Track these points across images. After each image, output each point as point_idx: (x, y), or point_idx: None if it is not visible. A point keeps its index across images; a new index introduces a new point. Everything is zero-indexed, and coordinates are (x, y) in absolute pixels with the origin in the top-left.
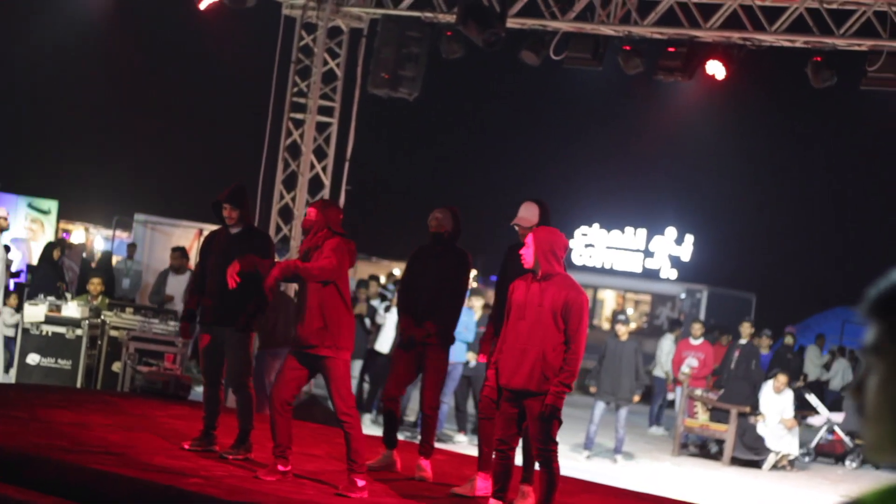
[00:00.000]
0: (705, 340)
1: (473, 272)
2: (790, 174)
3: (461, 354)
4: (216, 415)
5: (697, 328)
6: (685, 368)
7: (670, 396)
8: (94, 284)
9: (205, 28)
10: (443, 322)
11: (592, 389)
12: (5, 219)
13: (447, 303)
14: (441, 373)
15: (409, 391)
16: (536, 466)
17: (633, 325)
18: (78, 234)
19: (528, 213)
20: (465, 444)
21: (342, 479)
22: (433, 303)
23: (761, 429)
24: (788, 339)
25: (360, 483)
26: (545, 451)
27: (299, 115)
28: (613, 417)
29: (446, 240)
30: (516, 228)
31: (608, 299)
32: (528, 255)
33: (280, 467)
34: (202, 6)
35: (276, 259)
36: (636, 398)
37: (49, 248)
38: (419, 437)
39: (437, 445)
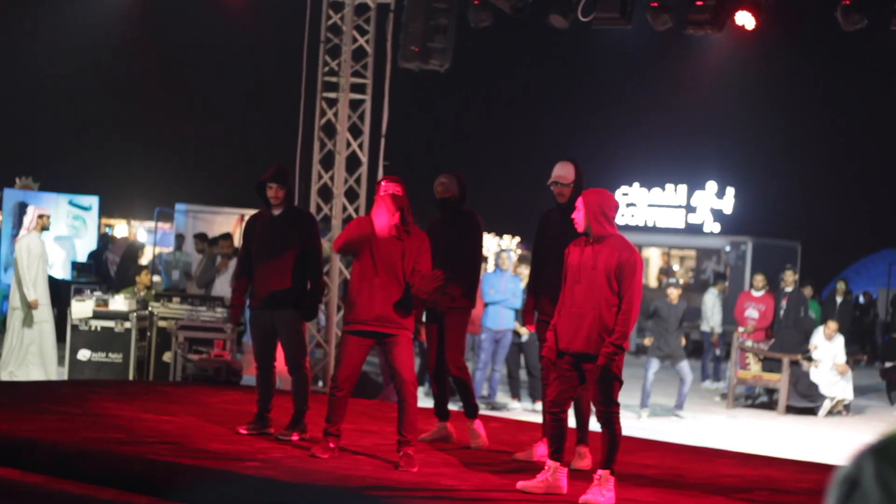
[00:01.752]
0: (767, 292)
1: (515, 239)
2: (827, 119)
3: (510, 321)
4: (270, 397)
5: (760, 279)
6: (750, 321)
7: (717, 351)
8: (143, 277)
9: (232, 15)
10: (462, 284)
11: (647, 342)
12: (48, 217)
13: (463, 266)
14: (461, 333)
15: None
16: (595, 427)
17: (680, 282)
18: (120, 228)
19: (564, 170)
20: (519, 411)
21: (398, 453)
22: (451, 268)
23: (814, 375)
24: (840, 285)
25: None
26: (607, 412)
27: (332, 94)
28: (666, 375)
29: (454, 204)
30: (553, 188)
31: (653, 257)
32: (579, 218)
33: (332, 444)
34: None
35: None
36: (682, 341)
37: (134, 248)
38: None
39: (493, 413)
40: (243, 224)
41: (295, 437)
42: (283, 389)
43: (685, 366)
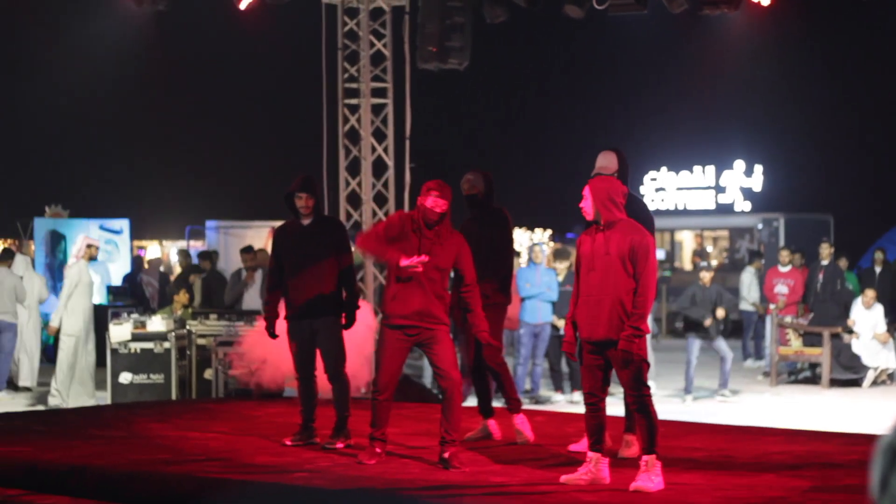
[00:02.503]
0: (794, 267)
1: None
2: (851, 89)
3: (547, 314)
4: (313, 407)
5: (785, 255)
6: (780, 297)
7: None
8: (181, 296)
9: (248, 29)
10: (496, 281)
11: (721, 313)
12: (96, 248)
13: (495, 262)
14: (497, 329)
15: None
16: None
17: (714, 263)
18: (153, 249)
19: (606, 161)
20: (563, 403)
21: (444, 454)
22: (483, 265)
23: (856, 347)
24: (878, 255)
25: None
26: (638, 396)
27: (353, 101)
28: (706, 358)
29: (481, 200)
30: None
31: (686, 240)
32: (587, 206)
33: (378, 449)
34: (242, 6)
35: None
36: (720, 313)
37: (188, 270)
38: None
39: (537, 407)
40: (273, 235)
41: (340, 445)
42: (323, 398)
43: (722, 344)
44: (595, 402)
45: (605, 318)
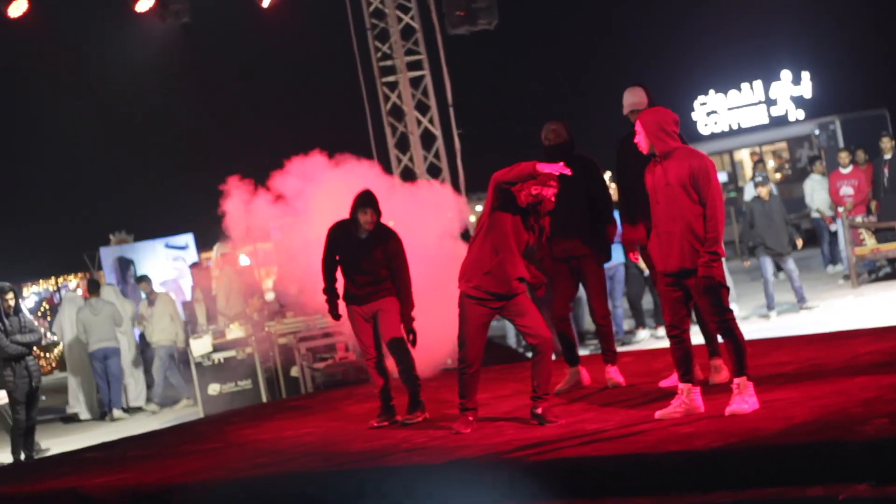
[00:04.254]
0: (855, 166)
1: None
2: None
3: (619, 255)
4: (389, 386)
5: (844, 156)
6: (847, 198)
7: (832, 228)
8: (254, 301)
9: (274, 27)
10: (595, 233)
11: (746, 264)
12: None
13: (592, 212)
14: (602, 280)
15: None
16: (720, 339)
17: (778, 176)
18: None
19: (636, 97)
20: (647, 340)
21: (537, 410)
22: (574, 217)
23: None
24: None
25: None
26: (722, 322)
27: (391, 78)
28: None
29: (568, 149)
30: (631, 117)
31: (746, 158)
32: (641, 141)
33: (471, 417)
34: (265, 3)
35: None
36: (800, 243)
37: None
38: (601, 349)
39: (623, 349)
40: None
41: (419, 418)
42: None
43: (790, 262)
44: (678, 333)
45: (677, 248)
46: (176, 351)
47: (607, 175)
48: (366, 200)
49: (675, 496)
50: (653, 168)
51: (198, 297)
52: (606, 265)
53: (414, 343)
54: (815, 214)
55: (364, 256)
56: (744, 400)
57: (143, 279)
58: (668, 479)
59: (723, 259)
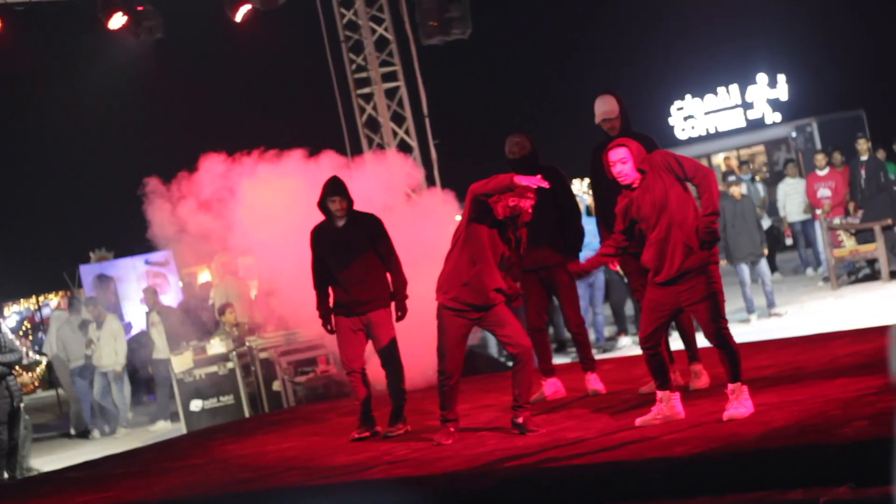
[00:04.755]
0: (831, 168)
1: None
2: None
3: None
4: (370, 398)
5: (821, 158)
6: (824, 200)
7: (790, 242)
8: (227, 315)
9: (247, 41)
10: (564, 241)
11: (722, 262)
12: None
13: (559, 221)
14: (573, 289)
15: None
16: (702, 343)
17: (758, 177)
18: (203, 275)
19: (607, 105)
20: (629, 346)
21: (518, 420)
22: (543, 227)
23: None
24: None
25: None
26: (719, 329)
27: (366, 90)
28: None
29: (532, 161)
30: (603, 126)
31: (723, 163)
32: (629, 171)
33: (451, 428)
34: (238, 17)
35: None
36: (765, 250)
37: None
38: (579, 358)
39: (605, 356)
40: (310, 236)
41: (401, 430)
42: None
43: (762, 265)
44: (652, 344)
45: (676, 252)
46: (114, 374)
47: (577, 184)
48: (332, 188)
49: (656, 503)
50: (633, 197)
51: (154, 321)
52: None
53: (400, 318)
54: (791, 218)
55: (348, 246)
56: (740, 405)
57: (91, 301)
58: (650, 486)
59: (719, 266)
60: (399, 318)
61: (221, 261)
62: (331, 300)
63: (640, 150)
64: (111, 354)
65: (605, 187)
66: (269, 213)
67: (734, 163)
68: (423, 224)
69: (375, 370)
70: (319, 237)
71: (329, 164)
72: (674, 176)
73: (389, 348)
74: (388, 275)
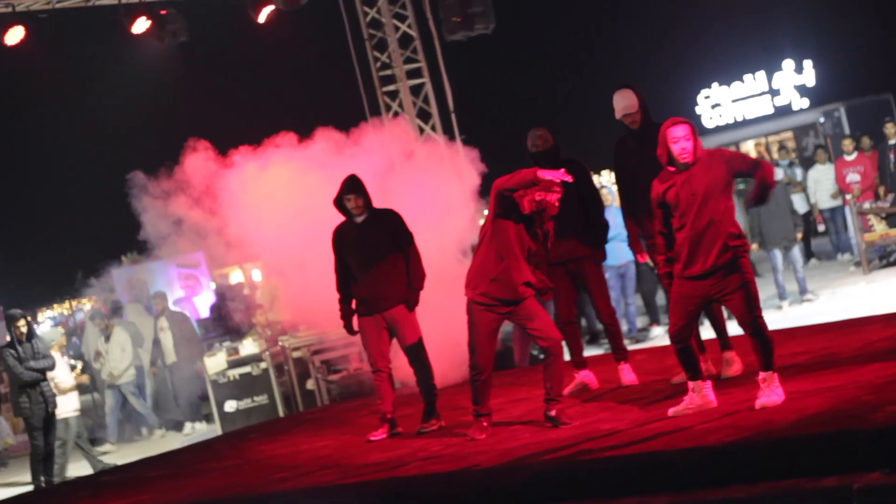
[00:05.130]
0: (860, 153)
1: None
2: None
3: (628, 253)
4: (394, 398)
5: (848, 143)
6: (853, 185)
7: (822, 228)
8: (259, 316)
9: (271, 43)
10: (589, 234)
11: (754, 247)
12: None
13: (584, 213)
14: (602, 280)
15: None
16: (733, 331)
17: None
18: (235, 275)
19: (628, 100)
20: (661, 336)
21: (551, 412)
22: (568, 220)
23: None
24: None
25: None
26: (755, 319)
27: (391, 87)
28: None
29: (555, 154)
30: (625, 120)
31: (752, 150)
32: (692, 149)
33: (485, 423)
34: (261, 18)
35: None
36: (799, 235)
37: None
38: (611, 349)
39: (636, 346)
40: (332, 237)
41: (435, 426)
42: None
43: (795, 251)
44: (683, 337)
45: (718, 245)
46: (134, 385)
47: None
48: (347, 187)
49: (690, 493)
50: (671, 178)
51: (163, 326)
52: (617, 263)
53: (410, 308)
54: (822, 205)
55: (368, 243)
56: (772, 392)
57: (96, 315)
58: (684, 476)
59: (749, 257)
60: (409, 308)
61: (266, 261)
62: (353, 302)
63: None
64: (118, 367)
65: (631, 179)
66: (288, 206)
67: (763, 150)
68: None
69: (404, 368)
70: (340, 237)
71: (324, 142)
72: (729, 171)
73: (415, 345)
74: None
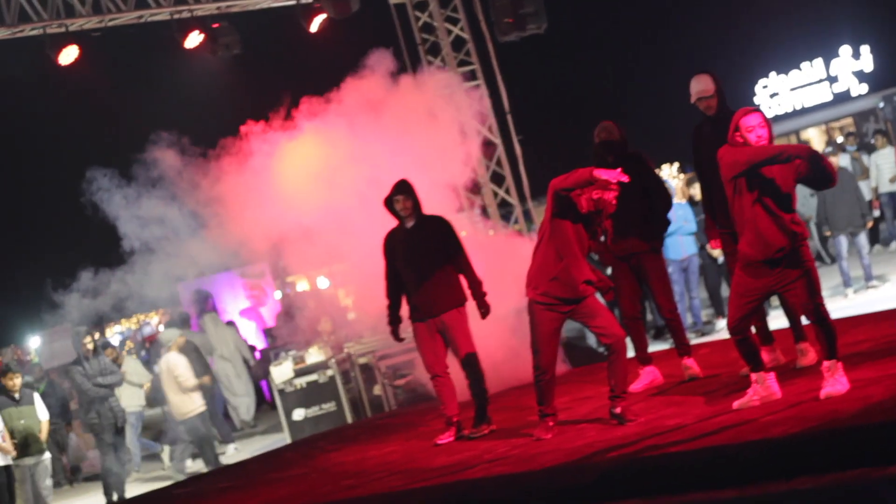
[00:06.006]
0: None
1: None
2: None
3: (690, 247)
4: (456, 402)
5: None
6: None
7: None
8: (323, 324)
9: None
10: (650, 227)
11: (827, 233)
12: None
13: (646, 209)
14: (664, 276)
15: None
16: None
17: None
18: (301, 283)
19: (703, 84)
20: (726, 329)
21: (616, 410)
22: (630, 215)
23: None
24: None
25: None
26: (815, 307)
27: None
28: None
29: (619, 146)
30: (699, 105)
31: (813, 137)
32: (765, 134)
33: (550, 423)
34: (313, 28)
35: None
36: (869, 223)
37: None
38: (674, 343)
39: (701, 340)
40: (382, 243)
41: (485, 431)
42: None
43: (861, 238)
44: (741, 329)
45: (786, 225)
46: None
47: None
48: (397, 188)
49: (757, 486)
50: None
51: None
52: (679, 257)
53: (485, 315)
54: (882, 189)
55: (418, 248)
56: (836, 381)
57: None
58: (750, 470)
59: (808, 242)
60: (483, 316)
61: (340, 269)
62: (403, 309)
63: None
64: (130, 396)
65: (707, 167)
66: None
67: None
68: None
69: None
70: (391, 243)
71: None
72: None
73: (467, 349)
74: (461, 277)
